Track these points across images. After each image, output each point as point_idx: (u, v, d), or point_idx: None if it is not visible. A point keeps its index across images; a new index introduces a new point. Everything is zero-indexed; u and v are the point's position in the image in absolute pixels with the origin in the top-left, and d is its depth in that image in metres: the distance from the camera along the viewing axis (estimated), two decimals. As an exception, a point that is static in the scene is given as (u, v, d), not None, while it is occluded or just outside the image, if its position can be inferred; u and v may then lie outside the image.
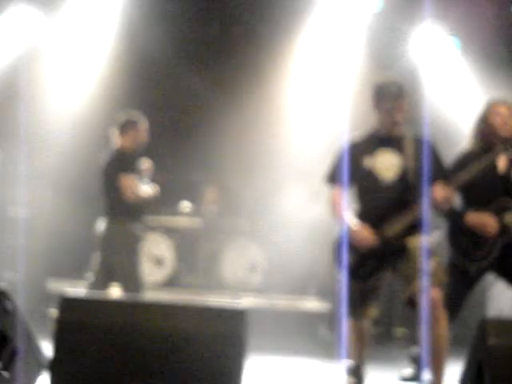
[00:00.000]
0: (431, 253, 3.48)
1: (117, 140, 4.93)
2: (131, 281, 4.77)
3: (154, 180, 5.27)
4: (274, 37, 7.67)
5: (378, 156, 3.68)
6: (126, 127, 4.90)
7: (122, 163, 4.80)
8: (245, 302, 6.71)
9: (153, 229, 6.97)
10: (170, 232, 7.33)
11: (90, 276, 4.92)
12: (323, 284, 7.27)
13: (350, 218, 3.66)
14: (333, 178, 3.81)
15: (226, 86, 7.82)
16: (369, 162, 3.68)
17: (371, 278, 3.59)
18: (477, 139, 4.00)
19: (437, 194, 3.46)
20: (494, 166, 3.93)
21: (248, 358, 2.58)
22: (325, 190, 3.94)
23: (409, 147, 3.66)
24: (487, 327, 2.53)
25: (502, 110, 3.96)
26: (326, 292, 6.95)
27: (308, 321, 7.00)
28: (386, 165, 3.66)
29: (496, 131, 3.91)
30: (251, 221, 7.59)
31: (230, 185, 7.82)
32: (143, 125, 4.97)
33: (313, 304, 6.92)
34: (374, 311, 3.70)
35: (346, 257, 3.59)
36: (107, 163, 4.87)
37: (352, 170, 3.73)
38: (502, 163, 3.96)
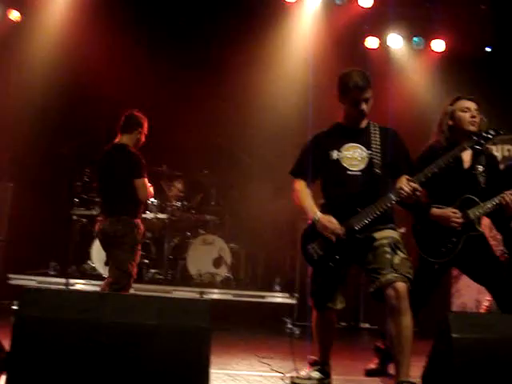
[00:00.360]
0: (398, 246, 3.48)
1: (123, 138, 4.93)
2: (128, 276, 4.74)
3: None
4: (236, 35, 7.66)
5: (345, 148, 3.67)
6: (132, 126, 4.92)
7: (138, 165, 4.80)
8: (210, 296, 6.70)
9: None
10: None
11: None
12: (289, 277, 7.30)
13: (315, 209, 3.64)
14: (299, 171, 3.79)
15: (189, 81, 7.75)
16: (336, 154, 3.66)
17: (338, 271, 3.58)
18: (444, 134, 4.00)
19: (404, 188, 3.45)
20: (459, 162, 3.96)
21: (214, 352, 2.55)
22: (290, 184, 3.91)
23: (375, 139, 3.66)
24: (450, 321, 2.54)
25: (470, 105, 3.98)
26: (292, 285, 6.98)
27: (274, 314, 7.00)
28: (353, 157, 3.64)
29: (463, 127, 3.93)
30: (217, 216, 7.55)
31: (195, 180, 7.76)
32: (146, 126, 4.99)
33: (279, 297, 6.91)
34: (340, 304, 3.68)
35: (312, 249, 3.57)
36: (119, 162, 4.84)
37: (319, 162, 3.71)
38: (466, 158, 3.99)
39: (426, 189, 4.04)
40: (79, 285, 6.63)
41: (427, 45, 8.39)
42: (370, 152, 3.62)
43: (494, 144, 7.22)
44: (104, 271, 6.52)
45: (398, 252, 3.46)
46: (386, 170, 3.62)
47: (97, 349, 2.47)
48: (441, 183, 3.93)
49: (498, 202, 3.86)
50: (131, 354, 2.45)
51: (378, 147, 3.63)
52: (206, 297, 6.60)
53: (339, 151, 3.67)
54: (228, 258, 7.10)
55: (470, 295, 6.99)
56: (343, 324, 7.37)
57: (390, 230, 3.57)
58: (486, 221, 4.44)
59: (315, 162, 3.73)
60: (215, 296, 6.79)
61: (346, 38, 8.28)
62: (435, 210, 3.91)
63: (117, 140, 4.95)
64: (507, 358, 2.47)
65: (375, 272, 3.44)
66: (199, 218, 7.50)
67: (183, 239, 7.39)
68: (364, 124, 3.73)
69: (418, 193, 3.44)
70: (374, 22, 8.28)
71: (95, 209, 7.00)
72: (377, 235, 3.52)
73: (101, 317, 2.54)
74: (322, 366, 3.78)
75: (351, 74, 3.64)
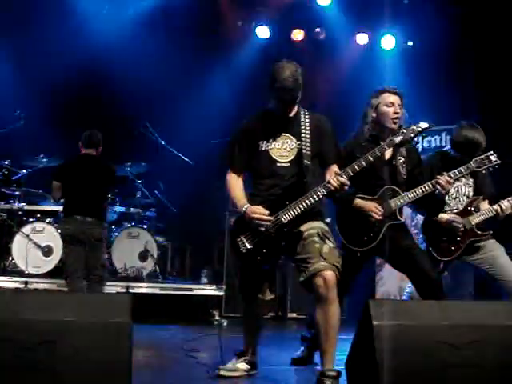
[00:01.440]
0: (326, 236, 3.50)
1: (94, 152, 5.68)
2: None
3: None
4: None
5: (275, 139, 3.62)
6: (100, 143, 5.73)
7: (113, 176, 5.89)
8: (137, 290, 6.59)
9: (42, 219, 6.68)
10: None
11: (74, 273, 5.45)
12: (217, 269, 7.28)
13: (244, 201, 3.61)
14: (228, 160, 3.74)
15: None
16: (264, 145, 3.62)
17: (266, 263, 3.57)
18: (368, 126, 4.05)
19: (332, 182, 3.42)
20: (381, 154, 4.03)
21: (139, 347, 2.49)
22: (218, 174, 3.87)
23: (305, 128, 3.62)
24: (371, 308, 2.58)
25: (394, 99, 4.01)
26: (220, 277, 6.96)
27: (202, 306, 6.97)
28: (282, 148, 3.60)
29: (385, 122, 3.99)
30: (142, 208, 7.43)
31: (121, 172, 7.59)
32: None
33: (207, 290, 6.87)
34: (269, 295, 3.68)
35: (240, 242, 3.54)
36: (100, 173, 5.70)
37: (249, 153, 3.67)
38: (388, 151, 4.05)
39: (351, 179, 4.11)
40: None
41: (353, 37, 8.58)
42: (299, 143, 3.58)
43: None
44: (26, 268, 6.34)
45: (327, 241, 3.47)
46: (315, 159, 3.61)
47: (13, 347, 2.37)
48: (363, 173, 3.99)
49: (420, 192, 3.94)
50: (48, 352, 2.36)
51: (308, 137, 3.59)
52: (132, 291, 6.48)
53: (268, 141, 3.62)
54: (154, 251, 6.99)
55: (393, 282, 7.19)
56: (271, 314, 7.41)
57: (318, 222, 3.57)
58: (407, 211, 4.56)
59: (244, 152, 3.68)
60: (142, 290, 6.68)
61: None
62: (358, 201, 3.97)
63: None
64: (426, 343, 2.53)
65: (304, 261, 3.44)
66: (124, 211, 7.35)
67: (108, 233, 7.21)
68: (294, 112, 3.67)
69: (345, 187, 3.45)
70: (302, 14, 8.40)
71: (15, 203, 6.76)
72: (304, 227, 3.51)
73: (17, 314, 2.44)
74: (249, 357, 3.78)
75: (281, 70, 3.49)
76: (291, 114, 3.66)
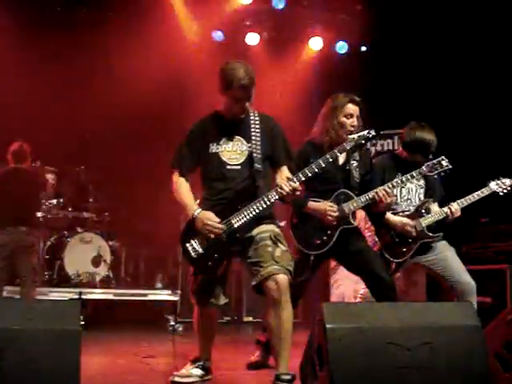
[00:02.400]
0: (278, 239, 3.48)
1: (23, 165, 5.95)
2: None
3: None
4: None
5: (224, 141, 3.59)
6: (28, 156, 6.01)
7: (42, 183, 6.34)
8: (90, 296, 6.48)
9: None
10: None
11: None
12: (172, 274, 7.22)
13: (193, 205, 3.57)
14: (177, 163, 3.69)
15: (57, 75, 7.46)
16: (215, 147, 3.59)
17: (218, 268, 3.54)
18: (324, 132, 4.06)
19: (284, 187, 3.38)
20: (335, 159, 4.06)
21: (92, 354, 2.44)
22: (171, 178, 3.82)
23: (255, 131, 3.59)
24: (324, 311, 2.59)
25: (353, 111, 4.03)
26: (175, 282, 6.90)
27: (157, 312, 6.91)
28: (232, 150, 3.57)
29: (341, 133, 3.99)
30: (95, 213, 7.32)
31: (73, 176, 7.46)
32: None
33: (161, 295, 6.80)
34: (223, 300, 3.65)
35: (191, 247, 3.50)
36: (32, 181, 6.05)
37: (199, 156, 3.64)
38: (342, 156, 4.08)
39: (303, 182, 4.12)
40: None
41: (305, 42, 8.66)
42: (249, 145, 3.56)
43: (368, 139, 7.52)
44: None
45: (279, 244, 3.46)
46: (266, 162, 3.60)
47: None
48: (317, 178, 4.01)
49: (371, 196, 3.99)
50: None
51: (258, 139, 3.56)
52: (85, 297, 6.37)
53: (218, 144, 3.59)
54: (108, 256, 6.90)
55: (348, 285, 7.23)
56: (227, 318, 7.40)
57: (270, 225, 3.55)
58: (362, 212, 4.59)
59: (192, 154, 3.64)
60: (95, 296, 6.59)
61: (228, 34, 8.37)
62: (312, 204, 3.99)
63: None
64: (377, 345, 2.55)
65: (257, 265, 3.42)
66: (76, 216, 7.22)
67: (60, 238, 7.09)
68: (245, 117, 3.63)
69: (297, 192, 3.43)
70: (255, 19, 8.42)
71: None
72: (256, 231, 3.49)
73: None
74: (203, 362, 3.74)
75: (236, 70, 3.47)
76: (242, 118, 3.63)
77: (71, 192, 7.28)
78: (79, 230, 7.09)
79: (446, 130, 7.35)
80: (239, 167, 3.56)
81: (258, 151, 3.53)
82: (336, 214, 3.94)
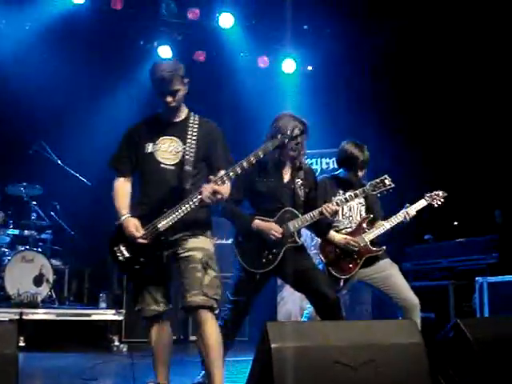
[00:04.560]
0: (209, 264, 3.41)
1: None
2: None
3: None
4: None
5: (161, 141, 3.51)
6: None
7: None
8: (31, 317, 6.29)
9: None
10: None
11: None
12: (116, 293, 7.08)
13: (123, 210, 3.47)
14: (115, 164, 3.61)
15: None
16: (151, 147, 3.50)
17: (146, 271, 3.42)
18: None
19: (204, 188, 3.29)
20: (279, 176, 4.09)
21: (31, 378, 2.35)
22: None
23: (192, 133, 3.52)
24: (269, 331, 2.57)
25: (297, 130, 4.01)
26: (120, 301, 6.77)
27: (101, 332, 6.75)
28: (167, 151, 3.50)
29: (287, 149, 4.01)
30: (37, 230, 7.14)
31: (15, 192, 7.27)
32: None
33: (105, 314, 6.65)
34: (163, 305, 3.49)
35: (118, 251, 3.40)
36: None
37: (135, 155, 3.56)
38: (286, 172, 4.13)
39: (249, 200, 4.12)
40: None
41: (254, 60, 8.73)
42: (184, 147, 3.49)
43: (314, 157, 7.63)
44: None
45: (209, 271, 3.40)
46: (201, 165, 3.53)
47: None
48: (262, 196, 4.03)
49: (316, 214, 4.02)
50: None
51: (194, 141, 3.49)
52: (26, 318, 6.17)
53: (155, 144, 3.51)
54: (50, 275, 6.71)
55: (295, 302, 7.26)
56: (173, 338, 7.28)
57: (203, 239, 3.48)
58: (307, 231, 4.62)
59: (130, 154, 3.57)
60: (37, 317, 6.37)
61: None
62: (257, 222, 3.98)
63: None
64: (323, 364, 2.55)
65: (184, 288, 3.37)
66: (18, 234, 7.02)
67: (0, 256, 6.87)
68: (183, 115, 3.59)
69: (218, 196, 3.31)
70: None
71: None
72: (189, 245, 3.42)
73: None
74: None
75: (158, 65, 3.48)
76: (180, 118, 3.58)
77: (12, 209, 7.08)
78: (20, 248, 6.88)
79: (395, 149, 7.57)
80: (173, 167, 3.49)
81: (191, 154, 3.46)
82: (280, 233, 3.95)
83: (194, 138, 3.52)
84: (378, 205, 4.63)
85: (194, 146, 3.50)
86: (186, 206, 3.36)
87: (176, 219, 3.36)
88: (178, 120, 3.59)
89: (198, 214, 3.46)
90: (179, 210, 3.36)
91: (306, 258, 4.11)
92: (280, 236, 3.94)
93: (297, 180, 4.11)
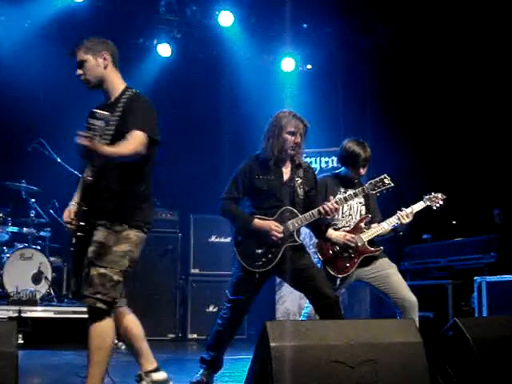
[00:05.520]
0: (93, 264, 3.25)
1: None
2: None
3: None
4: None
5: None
6: None
7: None
8: (30, 314, 6.29)
9: None
10: None
11: None
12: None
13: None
14: None
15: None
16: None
17: (75, 257, 3.39)
18: (270, 150, 4.08)
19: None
20: (279, 174, 4.09)
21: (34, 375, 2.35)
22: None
23: (118, 110, 3.37)
24: (268, 329, 2.58)
25: (297, 128, 4.03)
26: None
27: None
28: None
29: (285, 147, 4.03)
30: (36, 228, 7.13)
31: (13, 190, 7.26)
32: None
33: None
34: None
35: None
36: None
37: None
38: (286, 171, 4.12)
39: (249, 199, 4.13)
40: None
41: (254, 58, 8.72)
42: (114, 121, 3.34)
43: (313, 156, 7.63)
44: None
45: (98, 268, 3.24)
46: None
47: None
48: (262, 195, 4.03)
49: (315, 213, 4.02)
50: None
51: (116, 115, 3.33)
52: (24, 315, 6.18)
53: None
54: (49, 273, 6.71)
55: (293, 301, 7.27)
56: (171, 335, 7.30)
57: (105, 231, 3.31)
58: (306, 229, 4.62)
59: None
60: (35, 314, 6.38)
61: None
62: (257, 221, 3.98)
63: None
64: (322, 363, 2.55)
65: (77, 279, 3.36)
66: (16, 231, 7.02)
67: (-1, 254, 6.88)
68: (117, 93, 3.48)
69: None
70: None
71: None
72: (94, 237, 3.31)
73: None
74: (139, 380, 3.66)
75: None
76: (116, 94, 3.48)
77: (11, 206, 7.07)
78: (19, 245, 6.88)
79: (389, 146, 7.56)
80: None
81: (112, 127, 3.31)
82: (281, 232, 3.95)
83: (119, 112, 3.37)
84: (376, 207, 4.63)
85: (114, 119, 3.33)
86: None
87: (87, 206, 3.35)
88: (112, 100, 3.48)
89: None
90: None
91: (305, 256, 4.10)
92: (280, 236, 3.95)
93: (296, 178, 4.11)
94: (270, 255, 3.96)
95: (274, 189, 4.01)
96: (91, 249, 3.30)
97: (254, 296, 4.07)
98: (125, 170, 3.35)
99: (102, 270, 3.25)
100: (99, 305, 3.23)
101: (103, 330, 3.29)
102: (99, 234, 3.32)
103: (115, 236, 3.31)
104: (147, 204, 3.48)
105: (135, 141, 3.24)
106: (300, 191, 4.10)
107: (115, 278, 3.26)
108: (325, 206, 4.01)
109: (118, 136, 3.27)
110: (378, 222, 4.51)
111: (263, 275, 4.00)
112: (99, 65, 3.49)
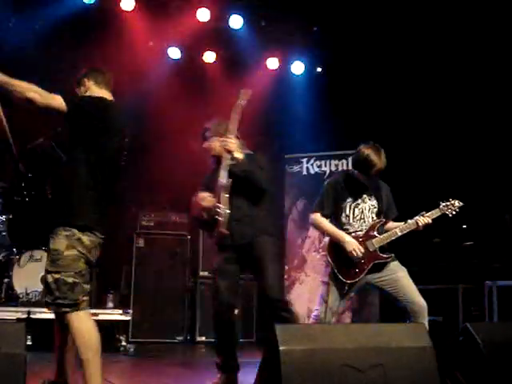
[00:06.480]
0: (49, 271, 3.32)
1: None
2: None
3: None
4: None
5: None
6: None
7: None
8: (39, 316, 6.30)
9: None
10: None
11: None
12: (124, 293, 7.10)
13: None
14: None
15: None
16: None
17: None
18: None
19: None
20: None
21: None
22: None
23: None
24: (277, 333, 2.57)
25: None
26: (127, 301, 6.79)
27: (108, 332, 6.75)
28: None
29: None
30: (46, 230, 7.13)
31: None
32: None
33: (113, 314, 6.66)
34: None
35: None
36: None
37: None
38: (222, 174, 4.28)
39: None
40: None
41: (263, 61, 8.70)
42: None
43: (323, 159, 7.64)
44: None
45: (53, 274, 3.32)
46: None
47: None
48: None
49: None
50: None
51: None
52: (33, 317, 6.19)
53: None
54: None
55: (302, 304, 7.24)
56: (179, 338, 7.30)
57: (55, 238, 3.36)
58: (315, 233, 4.61)
59: None
60: (44, 316, 6.37)
61: (185, 51, 8.35)
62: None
63: None
64: (331, 367, 2.54)
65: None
66: (26, 233, 7.03)
67: (8, 255, 6.88)
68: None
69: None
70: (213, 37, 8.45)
71: None
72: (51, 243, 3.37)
73: None
74: None
75: None
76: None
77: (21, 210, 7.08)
78: (28, 248, 6.88)
79: (400, 150, 7.53)
80: None
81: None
82: (360, 255, 4.27)
83: None
84: (391, 201, 4.59)
85: None
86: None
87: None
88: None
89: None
90: None
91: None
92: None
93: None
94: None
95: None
96: (48, 259, 3.35)
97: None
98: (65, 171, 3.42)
99: (57, 276, 3.29)
100: (63, 309, 3.32)
101: (82, 328, 3.39)
102: (51, 241, 3.37)
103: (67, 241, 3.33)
104: (96, 206, 3.46)
105: (39, 89, 3.30)
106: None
107: (70, 280, 3.30)
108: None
109: None
110: (393, 220, 4.49)
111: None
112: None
